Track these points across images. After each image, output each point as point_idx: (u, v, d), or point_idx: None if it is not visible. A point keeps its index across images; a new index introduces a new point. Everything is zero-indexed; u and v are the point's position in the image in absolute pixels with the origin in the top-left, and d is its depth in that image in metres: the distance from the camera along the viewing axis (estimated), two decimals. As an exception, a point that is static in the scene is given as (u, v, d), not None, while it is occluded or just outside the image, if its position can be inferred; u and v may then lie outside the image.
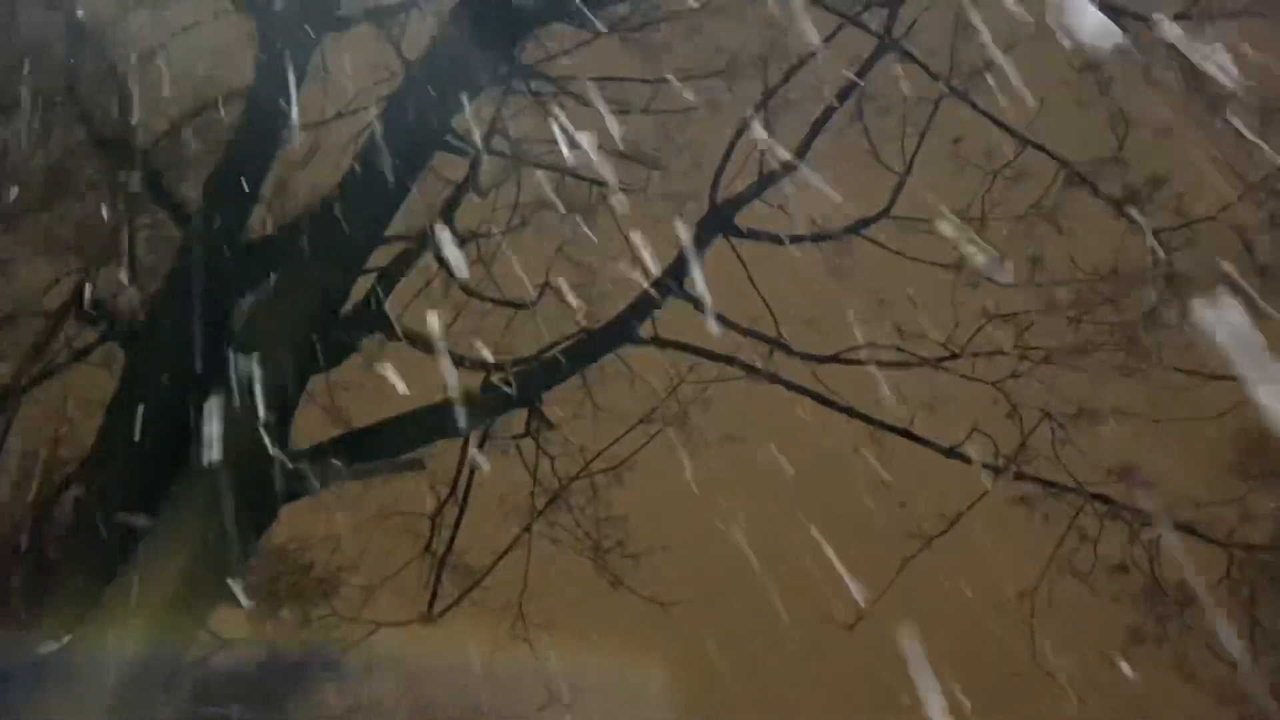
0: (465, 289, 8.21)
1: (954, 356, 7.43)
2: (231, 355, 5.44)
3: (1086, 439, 7.32)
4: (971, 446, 7.31)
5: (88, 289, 7.13)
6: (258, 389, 5.36)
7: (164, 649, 4.91)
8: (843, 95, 7.47)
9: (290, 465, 5.29)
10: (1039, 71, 6.72)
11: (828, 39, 7.43)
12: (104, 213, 7.64)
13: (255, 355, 5.42)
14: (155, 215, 7.56)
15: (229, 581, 5.19)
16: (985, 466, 7.27)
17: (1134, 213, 7.21)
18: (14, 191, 7.66)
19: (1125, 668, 7.05)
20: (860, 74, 7.44)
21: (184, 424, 5.19)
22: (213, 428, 5.09)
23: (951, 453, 7.34)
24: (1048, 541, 7.22)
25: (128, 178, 7.23)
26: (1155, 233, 7.26)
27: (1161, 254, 7.22)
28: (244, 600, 5.11)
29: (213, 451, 5.02)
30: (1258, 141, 6.61)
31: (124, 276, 7.23)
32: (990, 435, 7.39)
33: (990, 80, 6.93)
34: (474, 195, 8.16)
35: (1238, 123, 6.46)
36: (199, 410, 5.17)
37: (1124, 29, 6.88)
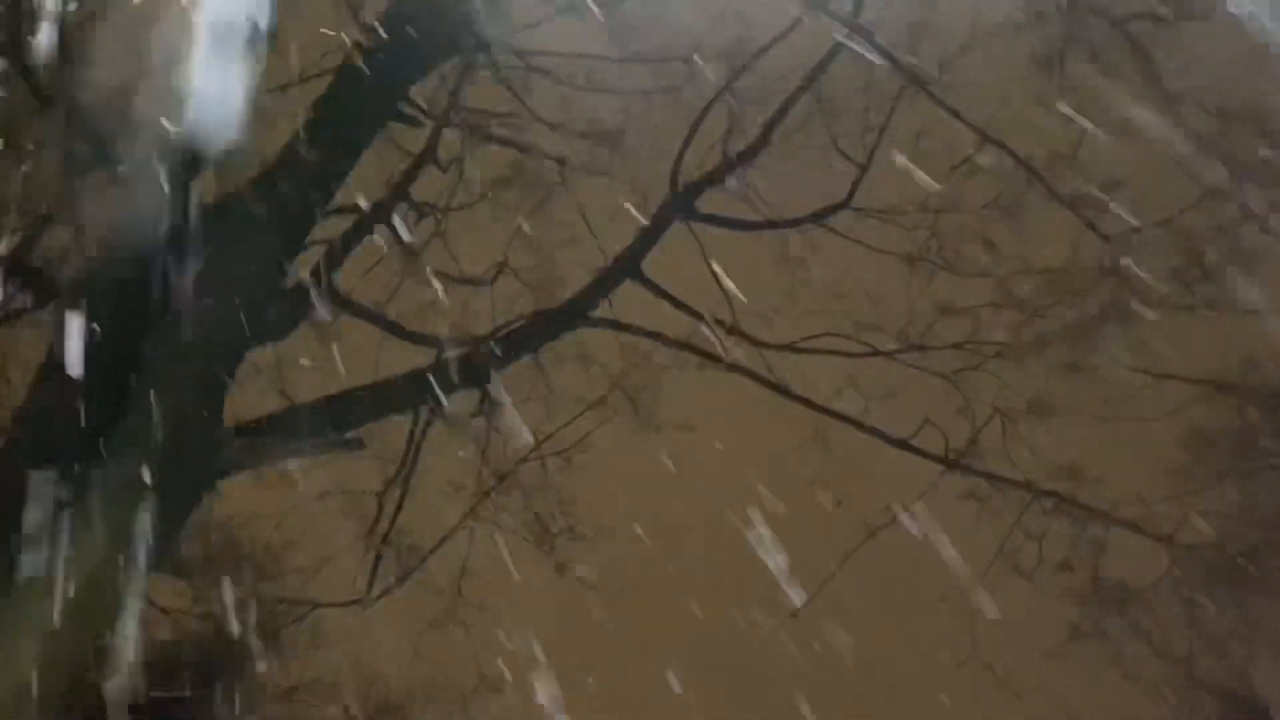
0: (419, 265, 8.08)
1: (908, 349, 7.44)
2: (168, 324, 5.31)
3: (1036, 435, 7.36)
4: (922, 439, 7.33)
5: (28, 249, 6.94)
6: (195, 360, 5.24)
7: (89, 622, 4.80)
8: (806, 84, 7.43)
9: (224, 440, 5.17)
10: (999, 69, 6.71)
11: (792, 27, 7.37)
12: (48, 173, 7.44)
13: (192, 326, 5.29)
14: (101, 178, 7.37)
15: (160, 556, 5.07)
16: (935, 459, 7.29)
17: (1093, 208, 7.24)
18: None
19: (1066, 663, 7.11)
20: (824, 63, 7.40)
21: (115, 392, 5.05)
22: (145, 397, 4.96)
23: (902, 445, 7.35)
24: (993, 537, 7.27)
25: (74, 138, 7.03)
26: (1110, 234, 7.30)
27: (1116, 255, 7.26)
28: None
29: (144, 421, 4.90)
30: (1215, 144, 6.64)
31: (68, 239, 7.04)
32: (941, 428, 7.41)
33: (949, 76, 6.91)
34: (433, 168, 8.04)
35: (1195, 126, 6.50)
36: (131, 379, 5.03)
37: (1087, 27, 6.89)
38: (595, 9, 7.56)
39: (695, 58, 7.72)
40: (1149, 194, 7.17)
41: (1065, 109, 7.04)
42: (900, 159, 7.41)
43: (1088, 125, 6.94)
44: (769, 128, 7.47)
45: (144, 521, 4.97)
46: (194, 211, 6.15)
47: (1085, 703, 7.20)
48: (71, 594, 4.73)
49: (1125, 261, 7.17)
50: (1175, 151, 6.85)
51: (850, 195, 7.58)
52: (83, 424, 5.16)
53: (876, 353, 7.52)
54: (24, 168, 7.57)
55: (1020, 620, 7.21)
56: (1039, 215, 7.20)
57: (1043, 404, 7.43)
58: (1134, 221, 7.24)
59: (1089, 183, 7.16)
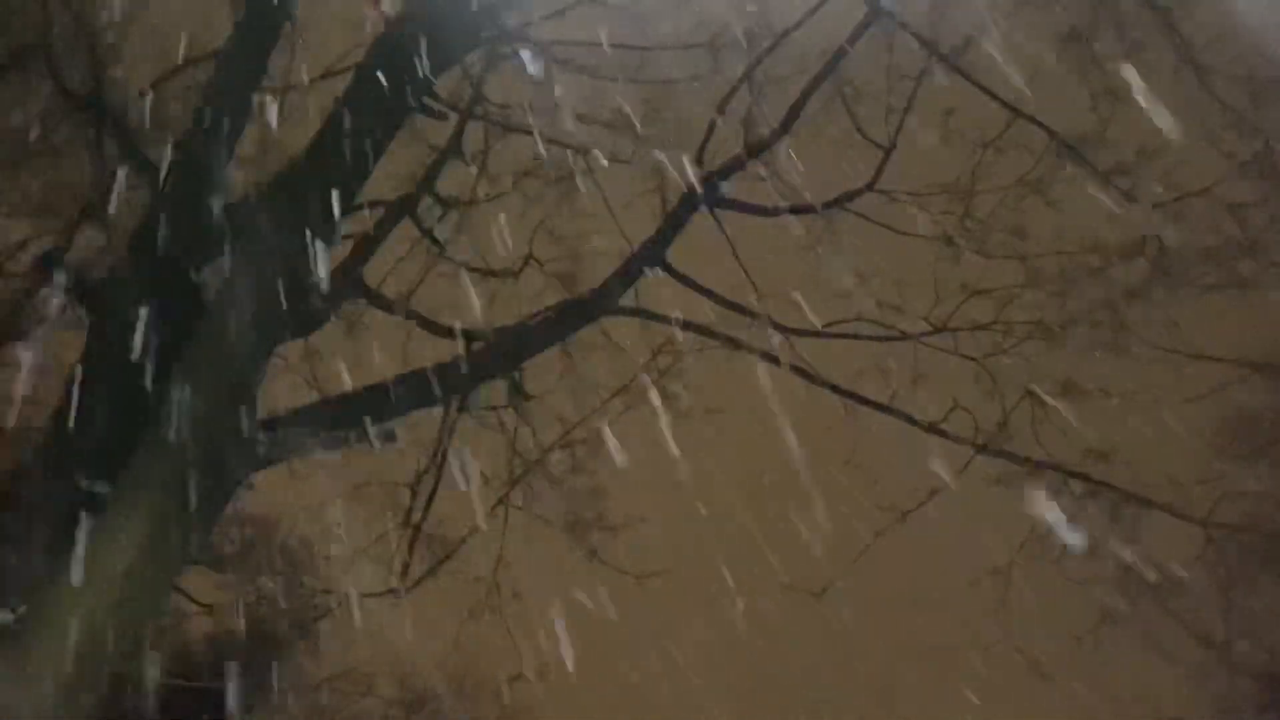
0: (447, 257, 8.12)
1: (936, 331, 7.38)
2: (199, 319, 5.37)
3: (1067, 417, 7.29)
4: (951, 423, 7.29)
5: (59, 251, 7.04)
6: (226, 355, 5.30)
7: (126, 619, 4.87)
8: (830, 66, 7.37)
9: (257, 434, 5.23)
10: (1027, 44, 6.62)
11: (815, 9, 7.31)
12: (80, 173, 7.53)
13: (224, 320, 5.35)
14: (132, 177, 7.46)
15: (195, 549, 5.14)
16: (964, 443, 7.24)
17: (1123, 184, 7.12)
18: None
19: (1097, 647, 7.05)
20: (848, 45, 7.32)
21: (148, 388, 5.12)
22: (178, 393, 5.03)
23: (931, 429, 7.30)
24: (1024, 519, 7.22)
25: (103, 138, 7.12)
26: (1144, 210, 7.19)
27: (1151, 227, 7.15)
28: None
29: (177, 416, 4.97)
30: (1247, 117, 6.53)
31: (99, 239, 7.14)
32: (971, 412, 7.36)
33: (976, 52, 6.83)
34: (458, 161, 8.06)
35: (1227, 97, 6.38)
36: (164, 375, 5.10)
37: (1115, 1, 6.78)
38: (616, -2, 7.55)
39: (717, 44, 7.68)
40: (1181, 169, 7.06)
41: (1095, 84, 6.94)
42: (926, 139, 7.34)
43: (1117, 100, 6.85)
44: (792, 112, 7.42)
45: (179, 516, 5.04)
46: (222, 207, 6.22)
47: (1118, 687, 7.15)
48: (109, 589, 4.81)
49: (1156, 239, 7.07)
50: (1207, 125, 6.74)
51: (875, 178, 7.52)
52: (118, 420, 5.24)
53: (904, 336, 7.47)
54: (57, 168, 7.68)
55: (1051, 604, 7.16)
56: (1069, 193, 7.11)
57: (1074, 385, 7.35)
58: (1168, 194, 7.13)
59: (1122, 155, 7.05)
